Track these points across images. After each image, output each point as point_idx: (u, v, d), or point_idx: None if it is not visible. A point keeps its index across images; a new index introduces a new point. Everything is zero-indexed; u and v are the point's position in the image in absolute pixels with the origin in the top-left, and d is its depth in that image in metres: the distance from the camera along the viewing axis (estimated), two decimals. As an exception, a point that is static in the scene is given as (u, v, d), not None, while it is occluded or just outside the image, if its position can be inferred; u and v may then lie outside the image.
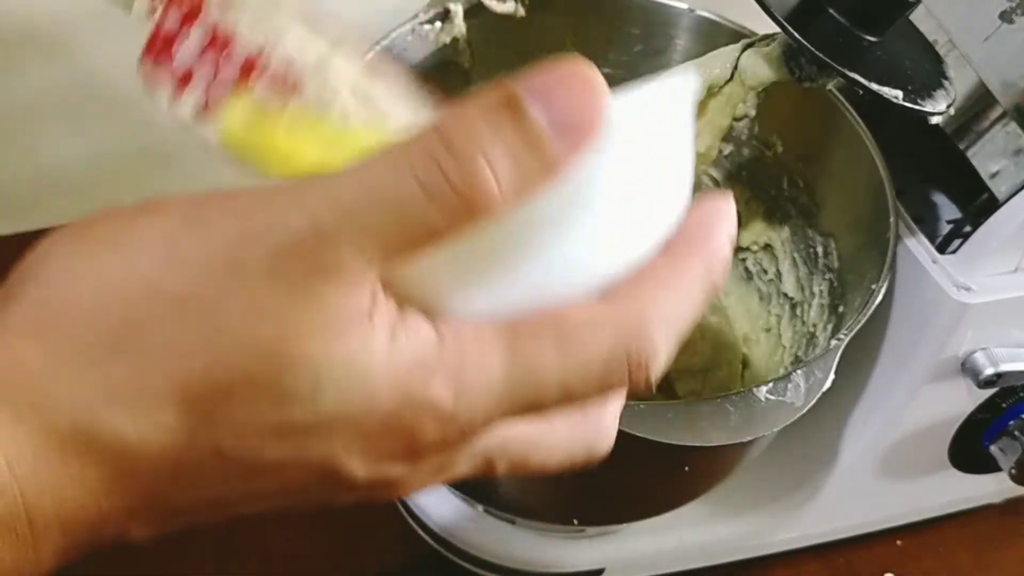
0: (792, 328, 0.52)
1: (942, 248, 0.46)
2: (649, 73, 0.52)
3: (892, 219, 0.44)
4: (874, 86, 0.37)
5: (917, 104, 0.38)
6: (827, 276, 0.49)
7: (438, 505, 0.53)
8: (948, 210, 0.47)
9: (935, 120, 0.39)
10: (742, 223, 0.55)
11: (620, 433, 0.35)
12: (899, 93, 0.38)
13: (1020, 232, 0.44)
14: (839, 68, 0.37)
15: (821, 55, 0.37)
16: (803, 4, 0.39)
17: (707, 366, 0.52)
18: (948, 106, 0.40)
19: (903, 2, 0.39)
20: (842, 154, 0.48)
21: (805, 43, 0.37)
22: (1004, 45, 0.44)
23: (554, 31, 0.51)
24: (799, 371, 0.39)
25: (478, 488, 0.49)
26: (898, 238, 0.44)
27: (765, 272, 0.54)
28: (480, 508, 0.53)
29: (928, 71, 0.42)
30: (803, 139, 0.51)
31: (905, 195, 0.47)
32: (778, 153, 0.52)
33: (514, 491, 0.48)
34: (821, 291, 0.50)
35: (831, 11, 0.39)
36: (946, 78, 0.41)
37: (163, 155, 0.70)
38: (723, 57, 0.44)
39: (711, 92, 0.45)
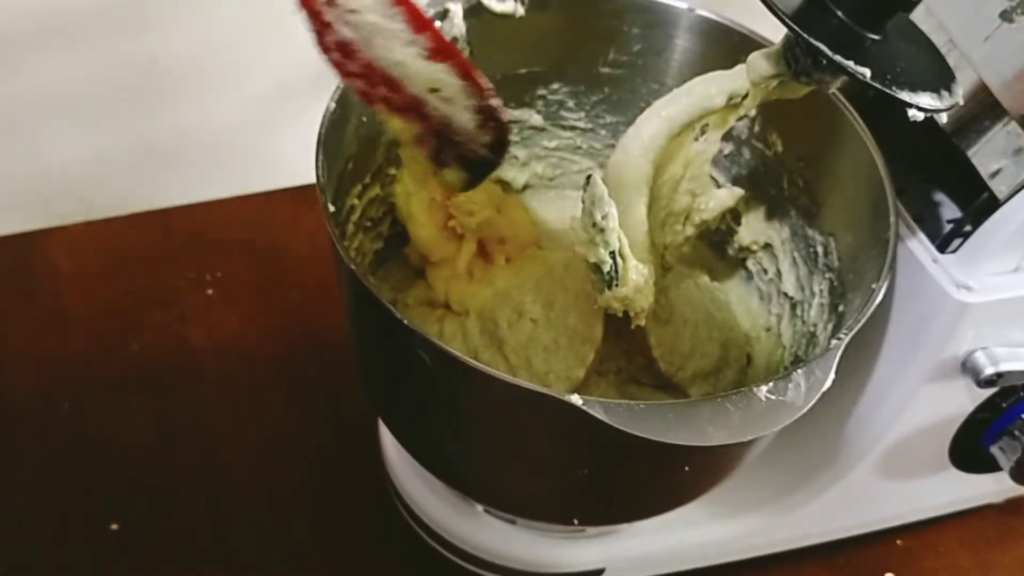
0: (792, 328, 0.52)
1: (942, 247, 0.46)
2: (649, 72, 0.53)
3: (892, 218, 0.44)
4: (868, 78, 0.37)
5: (899, 93, 0.37)
6: (827, 276, 0.49)
7: (438, 505, 0.53)
8: (948, 209, 0.47)
9: (920, 116, 0.39)
10: (742, 222, 0.55)
11: (620, 433, 0.35)
12: (893, 85, 0.38)
13: (1020, 232, 0.44)
14: (832, 56, 0.37)
15: (814, 41, 0.37)
16: (806, 3, 0.39)
17: (717, 366, 0.52)
18: (951, 106, 0.39)
19: (904, 1, 0.39)
20: (842, 154, 0.48)
21: (799, 30, 0.37)
22: (1005, 45, 0.44)
23: (553, 31, 0.52)
24: (799, 371, 0.39)
25: (478, 488, 0.49)
26: (898, 238, 0.44)
27: (765, 272, 0.54)
28: (480, 508, 0.53)
29: (932, 71, 0.42)
30: (803, 139, 0.51)
31: (905, 194, 0.47)
32: (778, 153, 0.52)
33: (514, 491, 0.48)
34: (821, 291, 0.50)
35: (833, 9, 0.39)
36: (951, 79, 0.41)
37: (166, 155, 0.70)
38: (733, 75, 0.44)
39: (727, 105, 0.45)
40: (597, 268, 0.45)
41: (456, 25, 0.49)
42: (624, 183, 0.46)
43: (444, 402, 0.44)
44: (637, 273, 0.45)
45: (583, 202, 0.44)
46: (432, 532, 0.54)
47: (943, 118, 0.46)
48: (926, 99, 0.39)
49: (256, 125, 0.71)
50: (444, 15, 0.48)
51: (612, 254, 0.44)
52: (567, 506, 0.46)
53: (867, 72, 0.37)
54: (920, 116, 0.39)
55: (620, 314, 0.47)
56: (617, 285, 0.45)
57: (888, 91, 0.38)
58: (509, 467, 0.46)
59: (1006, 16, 0.44)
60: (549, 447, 0.44)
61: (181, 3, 0.63)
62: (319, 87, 0.45)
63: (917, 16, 0.42)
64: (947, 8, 0.46)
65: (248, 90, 0.70)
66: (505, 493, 0.49)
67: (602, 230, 0.43)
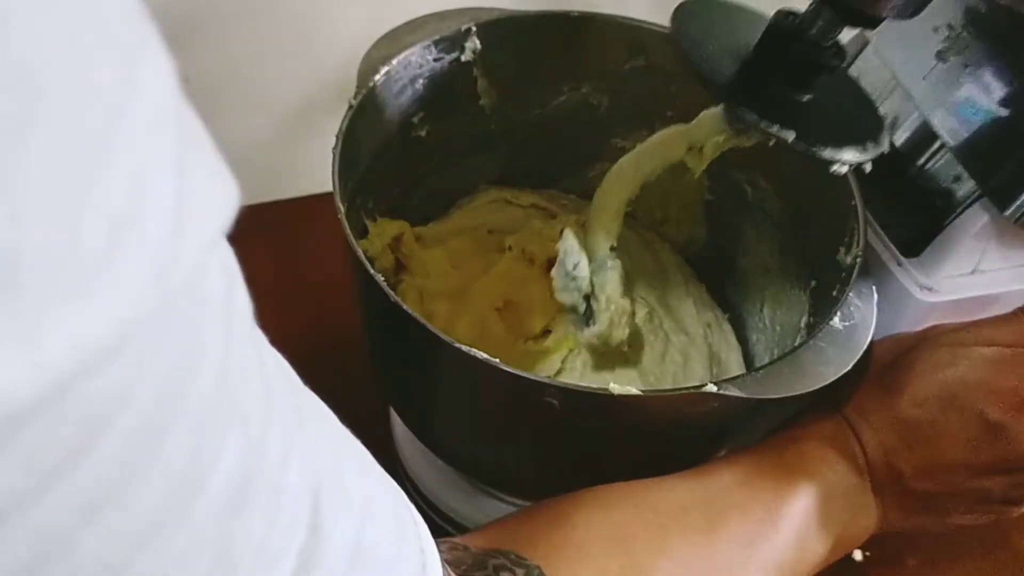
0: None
1: (906, 252, 0.48)
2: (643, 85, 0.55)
3: (862, 226, 0.46)
4: (790, 140, 0.38)
5: (821, 152, 0.38)
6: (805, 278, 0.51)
7: (446, 486, 0.55)
8: (912, 218, 0.49)
9: (843, 171, 0.39)
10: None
11: (638, 416, 0.38)
12: (817, 143, 0.38)
13: (976, 237, 0.46)
14: (759, 123, 0.38)
15: (741, 110, 0.38)
16: (741, 69, 0.40)
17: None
18: (874, 156, 0.40)
19: (825, 66, 0.40)
20: (818, 171, 0.49)
21: (728, 100, 0.38)
22: (940, 82, 0.46)
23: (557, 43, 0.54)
24: (849, 294, 0.42)
25: (480, 472, 0.51)
26: (867, 243, 0.46)
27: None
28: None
29: (860, 121, 0.42)
30: (783, 165, 0.52)
31: (873, 204, 0.48)
32: (758, 180, 0.54)
33: (515, 477, 0.50)
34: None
35: (765, 74, 0.40)
36: (879, 127, 0.42)
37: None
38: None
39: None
40: (574, 309, 0.49)
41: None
42: (596, 227, 0.49)
43: (457, 394, 0.45)
44: (610, 312, 0.49)
45: (559, 253, 0.48)
46: (441, 512, 0.55)
47: (901, 138, 0.49)
48: (849, 154, 0.39)
49: (279, 138, 0.73)
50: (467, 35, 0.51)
51: (585, 297, 0.48)
52: (574, 489, 0.47)
53: (790, 136, 0.38)
54: (843, 170, 0.39)
55: (601, 347, 0.50)
56: (593, 323, 0.49)
57: (811, 150, 0.38)
58: (510, 453, 0.48)
59: (941, 56, 0.46)
60: (542, 434, 0.45)
61: (210, 29, 0.65)
62: (338, 104, 0.47)
63: (865, 56, 0.44)
64: (890, 48, 0.48)
65: (272, 106, 0.71)
66: (505, 478, 0.51)
67: (574, 278, 0.48)
